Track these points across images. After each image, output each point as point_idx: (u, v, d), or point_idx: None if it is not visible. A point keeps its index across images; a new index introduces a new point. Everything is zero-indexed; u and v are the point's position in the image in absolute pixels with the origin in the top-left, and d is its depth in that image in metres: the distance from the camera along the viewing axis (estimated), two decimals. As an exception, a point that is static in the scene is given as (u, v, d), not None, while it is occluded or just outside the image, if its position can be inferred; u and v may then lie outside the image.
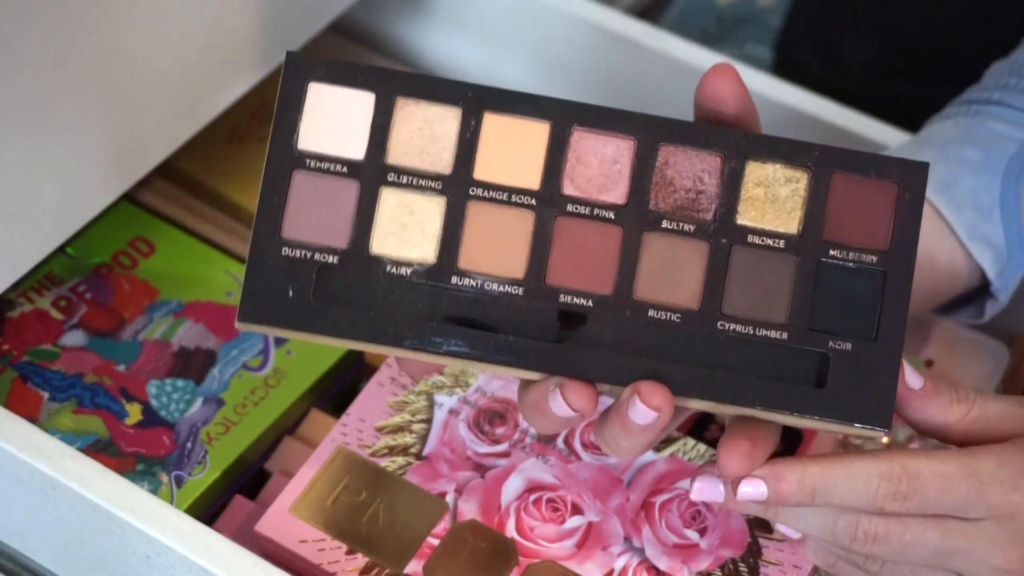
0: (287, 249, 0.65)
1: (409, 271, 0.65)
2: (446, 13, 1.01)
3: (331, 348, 0.83)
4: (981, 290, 0.80)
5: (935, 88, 0.94)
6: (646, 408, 0.63)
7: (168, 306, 0.85)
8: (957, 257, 0.78)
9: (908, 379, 0.67)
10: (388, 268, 0.65)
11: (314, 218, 0.65)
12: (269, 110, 0.95)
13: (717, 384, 0.64)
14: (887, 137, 0.90)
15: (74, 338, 0.83)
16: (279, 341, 0.84)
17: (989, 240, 0.77)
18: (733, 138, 0.65)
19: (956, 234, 0.77)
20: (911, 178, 0.65)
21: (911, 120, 0.90)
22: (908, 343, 0.87)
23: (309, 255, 0.65)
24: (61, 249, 0.86)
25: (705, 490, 0.67)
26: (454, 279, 0.65)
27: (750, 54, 1.18)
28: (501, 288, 0.65)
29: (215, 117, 0.87)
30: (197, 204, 0.91)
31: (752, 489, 0.65)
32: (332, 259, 0.65)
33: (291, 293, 0.64)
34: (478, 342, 0.64)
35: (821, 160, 0.65)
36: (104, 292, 0.85)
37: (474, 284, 0.65)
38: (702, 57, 0.94)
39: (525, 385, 0.66)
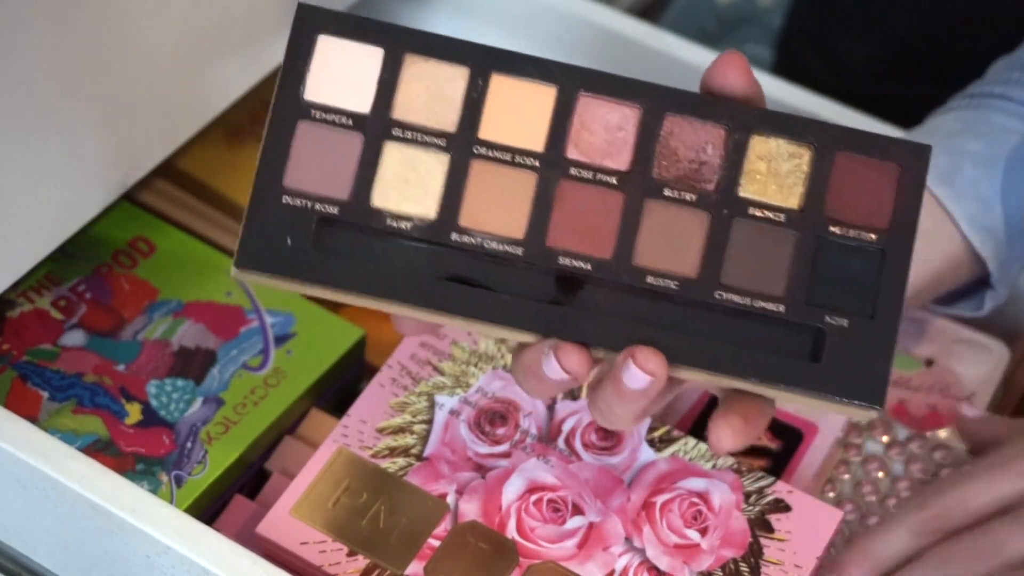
0: (288, 198, 0.64)
1: (409, 226, 0.64)
2: (446, 14, 1.01)
3: (331, 347, 0.83)
4: (981, 283, 0.80)
5: (934, 88, 0.94)
6: (641, 372, 0.63)
7: (168, 306, 0.85)
8: (958, 247, 0.78)
9: None
10: (388, 222, 0.64)
11: (317, 168, 0.64)
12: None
13: (712, 354, 0.64)
14: (886, 136, 0.90)
15: (74, 338, 0.83)
16: (279, 340, 0.84)
17: (990, 231, 0.78)
18: (738, 111, 0.65)
19: (957, 224, 0.77)
20: (913, 159, 0.65)
21: (910, 120, 0.90)
22: (909, 343, 0.87)
23: (310, 205, 0.64)
24: (61, 249, 0.85)
25: None
26: (454, 236, 0.64)
27: (750, 54, 1.18)
28: (500, 247, 0.64)
29: (215, 117, 0.87)
30: (197, 204, 0.91)
31: None
32: (333, 210, 0.64)
33: (290, 242, 0.63)
34: (474, 300, 0.64)
35: (824, 137, 0.65)
36: (104, 292, 0.85)
37: (474, 242, 0.64)
38: (702, 57, 0.94)
39: (520, 348, 0.66)
